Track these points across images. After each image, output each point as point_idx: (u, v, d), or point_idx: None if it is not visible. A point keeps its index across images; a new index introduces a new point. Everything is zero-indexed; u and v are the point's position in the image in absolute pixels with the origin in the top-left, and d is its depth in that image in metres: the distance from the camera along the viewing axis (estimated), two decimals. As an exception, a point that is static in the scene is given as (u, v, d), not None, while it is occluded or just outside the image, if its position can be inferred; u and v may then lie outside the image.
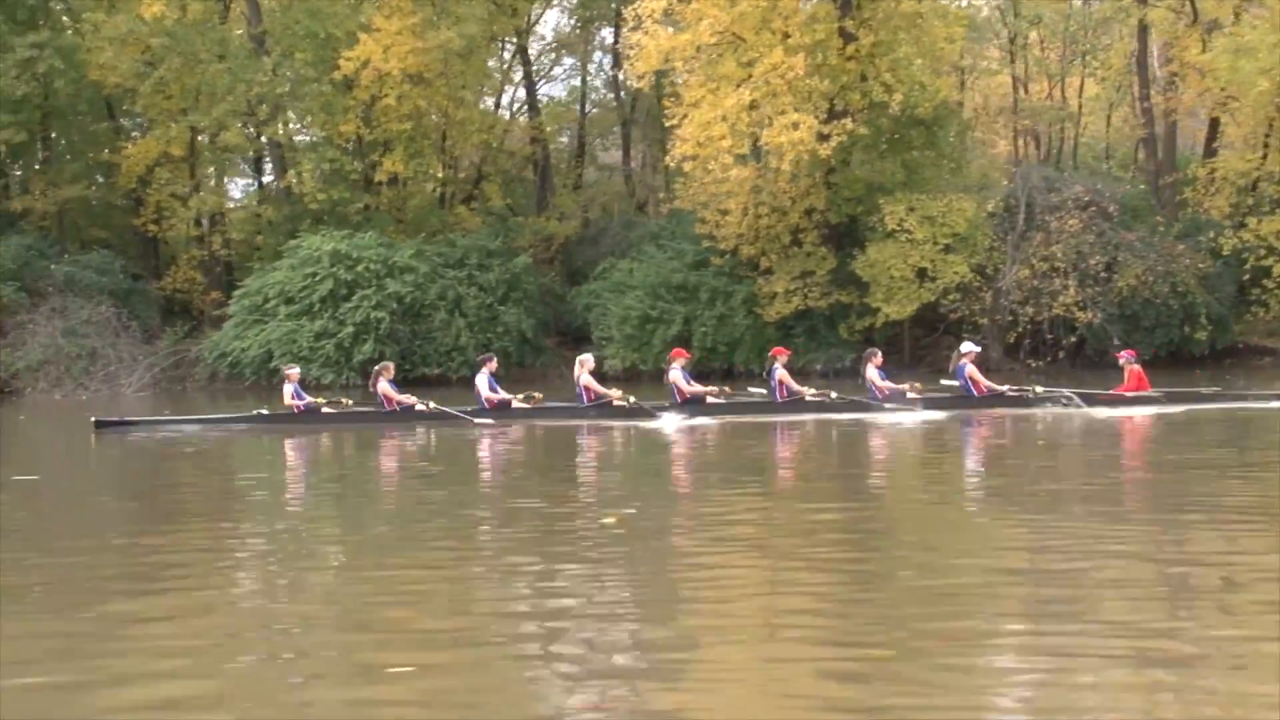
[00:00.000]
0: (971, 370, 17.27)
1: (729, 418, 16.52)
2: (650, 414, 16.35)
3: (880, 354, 18.16)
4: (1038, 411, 16.64)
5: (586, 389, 16.80)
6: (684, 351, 18.55)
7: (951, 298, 26.84)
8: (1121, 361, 17.68)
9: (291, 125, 34.05)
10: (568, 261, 34.27)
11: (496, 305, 30.15)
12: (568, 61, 38.84)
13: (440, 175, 34.10)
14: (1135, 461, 12.31)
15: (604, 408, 16.61)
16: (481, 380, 17.12)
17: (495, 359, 17.94)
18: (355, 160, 31.67)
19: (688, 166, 25.40)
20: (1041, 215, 27.30)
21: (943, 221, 26.30)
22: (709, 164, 24.69)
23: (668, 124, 26.08)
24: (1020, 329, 27.18)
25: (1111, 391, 17.33)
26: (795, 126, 24.18)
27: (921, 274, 26.58)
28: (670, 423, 15.92)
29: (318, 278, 29.09)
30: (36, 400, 28.39)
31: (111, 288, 31.52)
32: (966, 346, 17.79)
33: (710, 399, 17.05)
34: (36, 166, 35.15)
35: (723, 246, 28.28)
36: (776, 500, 9.79)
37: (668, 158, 26.24)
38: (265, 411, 17.90)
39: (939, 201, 26.49)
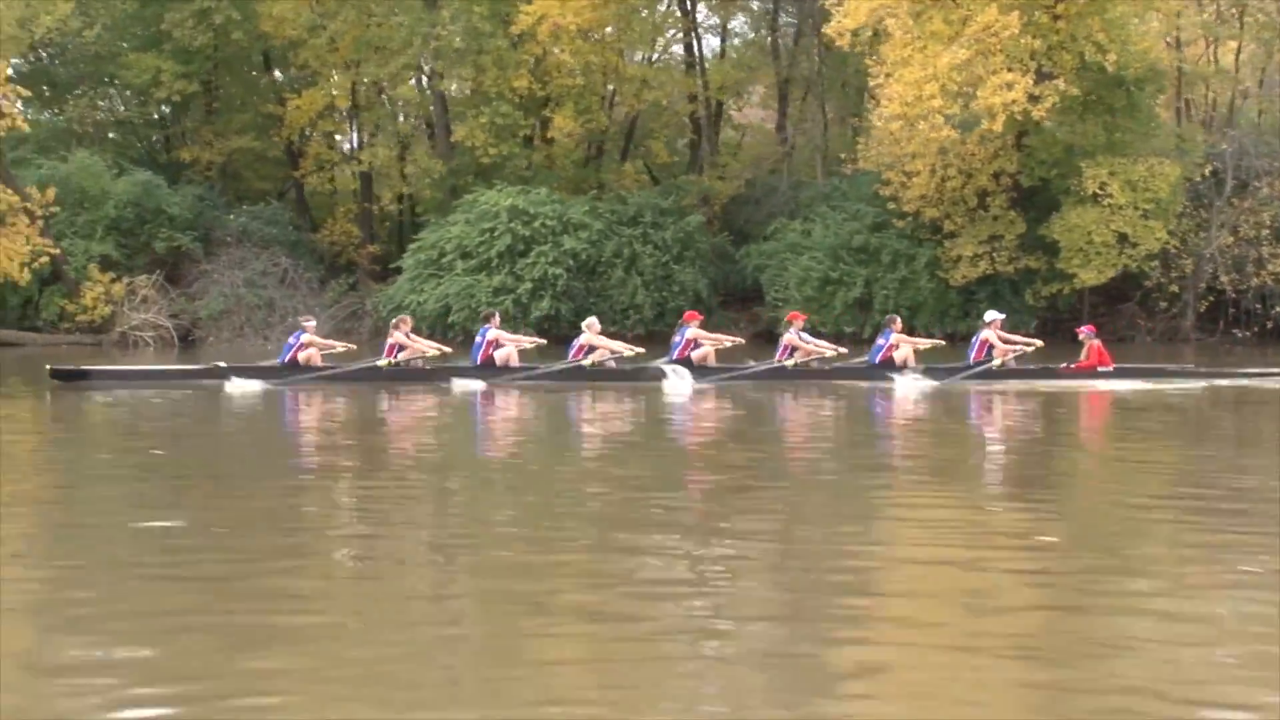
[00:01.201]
0: (987, 335, 16.84)
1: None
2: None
3: (900, 320, 17.89)
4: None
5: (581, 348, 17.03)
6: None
7: (1151, 265, 26.31)
8: (1081, 337, 17.24)
9: (460, 80, 33.91)
10: (728, 221, 34.01)
11: (671, 264, 30.01)
12: (738, 19, 38.22)
13: (604, 131, 33.93)
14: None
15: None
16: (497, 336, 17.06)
17: (497, 314, 18.11)
18: (525, 116, 31.53)
19: (894, 127, 24.97)
20: (1253, 180, 26.65)
21: (1144, 186, 25.71)
22: (918, 124, 24.27)
23: (872, 83, 25.64)
24: (1218, 298, 26.64)
25: (1072, 366, 16.88)
26: (1009, 87, 23.72)
27: (1121, 239, 26.05)
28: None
29: (496, 233, 29.08)
30: (220, 349, 28.69)
31: (281, 239, 31.82)
32: (990, 315, 17.46)
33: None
34: (187, 119, 35.28)
35: (906, 209, 27.87)
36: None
37: (874, 116, 25.80)
38: (222, 364, 16.86)
39: (1140, 165, 25.88)
